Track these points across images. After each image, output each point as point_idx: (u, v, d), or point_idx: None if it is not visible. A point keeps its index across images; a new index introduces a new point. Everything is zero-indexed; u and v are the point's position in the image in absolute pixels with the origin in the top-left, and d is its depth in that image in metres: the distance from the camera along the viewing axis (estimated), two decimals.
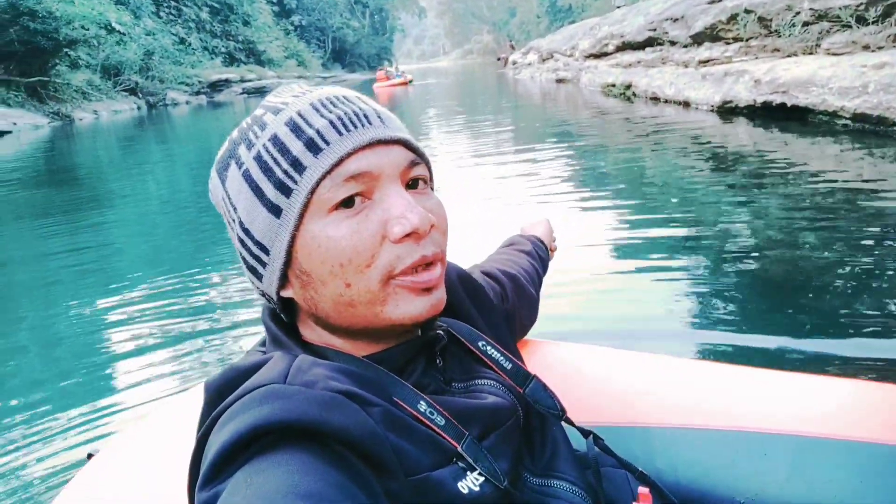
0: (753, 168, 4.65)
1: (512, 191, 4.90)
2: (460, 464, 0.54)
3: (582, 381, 0.93)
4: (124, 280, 3.68)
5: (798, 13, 6.68)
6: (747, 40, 7.89)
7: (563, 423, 0.69)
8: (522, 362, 0.71)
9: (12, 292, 3.80)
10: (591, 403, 0.89)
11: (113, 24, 24.90)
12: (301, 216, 0.53)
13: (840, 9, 6.11)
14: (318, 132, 0.53)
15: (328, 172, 0.52)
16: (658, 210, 3.88)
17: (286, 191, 0.53)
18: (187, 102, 28.09)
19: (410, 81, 32.39)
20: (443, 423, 0.55)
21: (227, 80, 34.40)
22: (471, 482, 0.54)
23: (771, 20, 7.17)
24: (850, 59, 5.40)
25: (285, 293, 0.58)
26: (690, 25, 9.33)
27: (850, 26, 6.03)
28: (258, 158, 0.55)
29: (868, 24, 5.84)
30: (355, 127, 0.54)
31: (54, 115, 22.55)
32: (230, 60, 38.23)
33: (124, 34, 26.18)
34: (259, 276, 0.59)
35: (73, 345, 2.87)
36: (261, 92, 35.66)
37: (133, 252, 4.49)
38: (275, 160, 0.54)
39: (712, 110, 7.41)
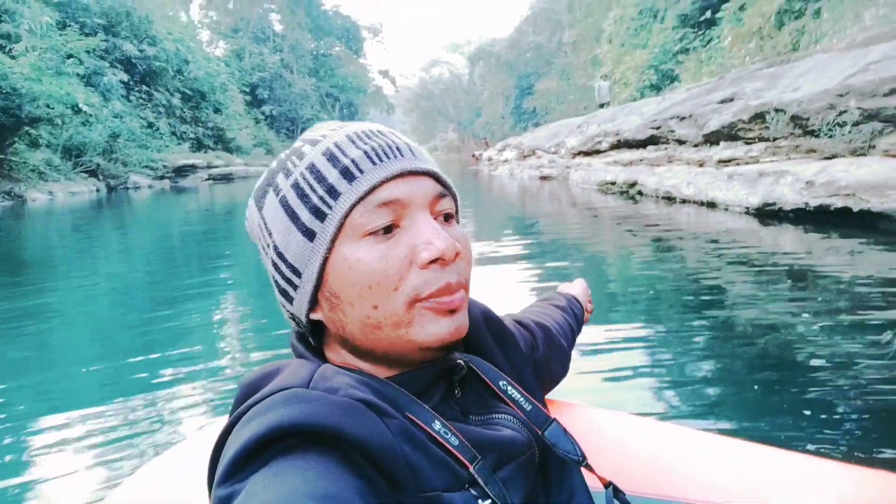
0: (826, 281, 3.86)
1: (505, 299, 3.97)
2: (473, 491, 0.55)
3: (606, 444, 0.92)
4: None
5: (843, 112, 6.20)
6: (774, 140, 7.41)
7: (583, 474, 0.68)
8: (546, 408, 0.69)
9: None
10: (615, 468, 0.86)
11: (80, 105, 24.07)
12: (333, 240, 0.56)
13: (895, 108, 5.62)
14: (353, 161, 0.57)
15: (361, 199, 0.56)
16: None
17: (321, 216, 0.56)
18: (150, 186, 26.92)
19: None
20: (457, 443, 0.56)
21: (193, 166, 33.44)
22: None
23: (808, 119, 6.68)
24: None
25: (314, 315, 0.61)
26: (702, 124, 8.92)
27: None
28: (295, 185, 0.58)
29: None
30: (388, 158, 0.57)
31: (5, 194, 21.16)
32: (198, 146, 37.55)
33: (91, 115, 25.33)
34: (290, 299, 0.61)
35: None
36: (227, 179, 34.78)
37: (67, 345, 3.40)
38: (311, 187, 0.57)
39: (747, 212, 6.76)
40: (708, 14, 23.20)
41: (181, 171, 32.38)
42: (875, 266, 4.17)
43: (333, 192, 0.56)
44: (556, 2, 67.47)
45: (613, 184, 10.96)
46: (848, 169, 5.49)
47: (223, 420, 0.56)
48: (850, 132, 6.05)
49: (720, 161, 8.04)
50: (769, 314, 3.33)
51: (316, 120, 63.92)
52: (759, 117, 7.48)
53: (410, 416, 0.56)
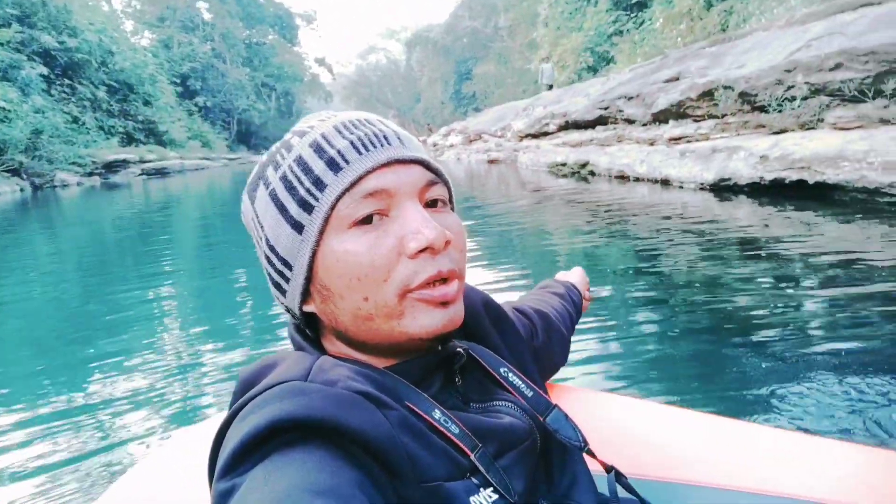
0: (789, 253, 3.92)
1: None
2: (474, 479, 0.55)
3: (608, 428, 0.92)
4: None
5: (791, 87, 6.33)
6: (723, 117, 7.54)
7: (585, 459, 0.68)
8: (547, 394, 0.68)
9: None
10: (616, 451, 0.86)
11: None
12: (321, 232, 0.56)
13: (842, 83, 5.77)
14: (339, 152, 0.56)
15: (347, 190, 0.55)
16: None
17: (308, 208, 0.56)
18: (79, 184, 25.59)
19: None
20: (457, 431, 0.56)
21: (124, 161, 31.92)
22: (483, 498, 0.54)
23: (756, 95, 6.81)
24: (884, 132, 4.93)
25: (307, 308, 0.60)
26: (650, 103, 9.02)
27: (857, 100, 5.68)
28: (283, 178, 0.58)
29: (876, 98, 5.49)
30: (374, 147, 0.57)
31: None
32: (128, 140, 35.90)
33: (9, 111, 23.85)
34: (283, 292, 0.61)
35: None
36: (162, 173, 33.42)
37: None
38: (298, 179, 0.57)
39: (702, 188, 6.86)
40: None
41: (112, 167, 30.88)
42: (832, 236, 4.26)
43: (320, 184, 0.56)
44: None
45: (564, 165, 11.01)
46: (800, 142, 5.61)
47: (220, 413, 0.55)
48: (798, 106, 6.19)
49: (671, 139, 8.15)
50: (734, 288, 3.34)
51: (252, 110, 62.43)
52: (708, 95, 7.60)
53: (410, 405, 0.56)
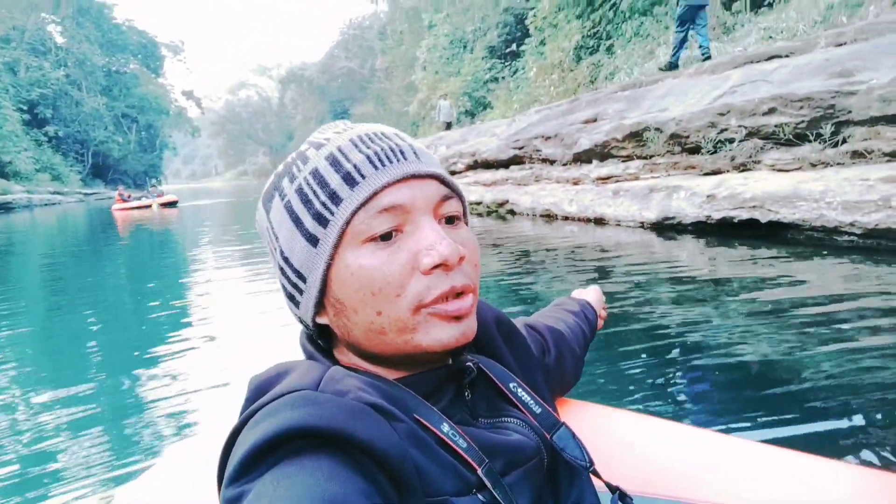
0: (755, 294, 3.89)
1: None
2: (480, 496, 0.55)
3: (614, 444, 0.92)
4: None
5: (724, 130, 6.54)
6: (650, 157, 7.69)
7: (591, 479, 0.68)
8: (556, 412, 0.69)
9: None
10: (622, 469, 0.86)
11: None
12: (336, 246, 0.56)
13: (777, 126, 6.01)
14: (355, 166, 0.57)
15: (363, 204, 0.55)
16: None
17: (323, 221, 0.56)
18: None
19: (173, 203, 24.93)
20: (465, 445, 0.56)
21: None
22: None
23: (688, 137, 6.99)
24: (834, 172, 5.12)
25: (321, 320, 0.61)
26: (570, 143, 9.09)
27: (791, 143, 5.93)
28: (299, 191, 0.58)
29: (812, 142, 5.75)
30: (391, 162, 0.57)
31: None
32: None
33: None
34: (297, 303, 0.62)
35: None
36: (5, 208, 29.89)
37: None
38: (314, 192, 0.57)
39: (642, 227, 6.88)
40: (513, 46, 24.66)
41: None
42: (785, 271, 4.29)
43: (335, 198, 0.56)
44: (367, 29, 68.47)
45: (479, 203, 10.86)
46: (746, 183, 5.74)
47: (229, 420, 0.57)
48: (733, 149, 6.38)
49: (599, 178, 8.20)
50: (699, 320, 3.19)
51: (110, 142, 57.98)
52: (635, 136, 7.73)
53: (419, 417, 0.56)
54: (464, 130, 14.57)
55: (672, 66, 9.10)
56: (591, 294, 1.15)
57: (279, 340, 3.58)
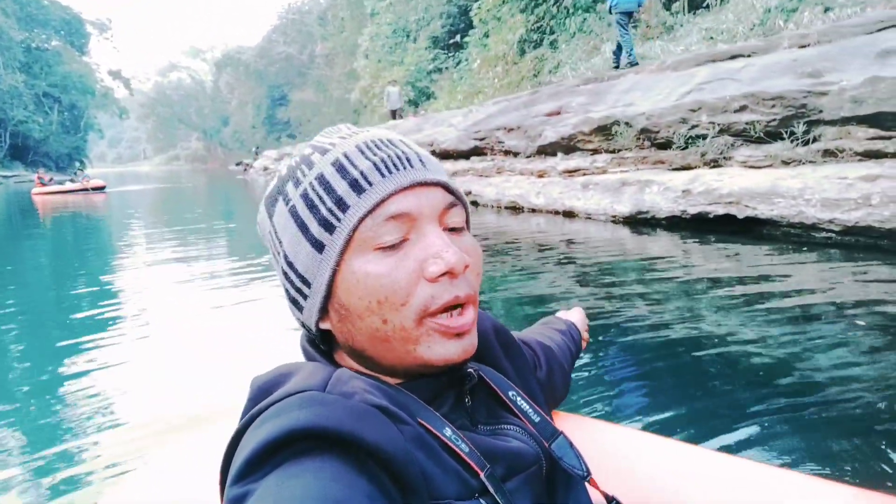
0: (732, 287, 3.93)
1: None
2: (483, 501, 0.55)
3: (610, 458, 0.93)
4: None
5: (695, 126, 6.61)
6: (618, 151, 7.72)
7: (587, 489, 0.69)
8: (552, 420, 0.69)
9: None
10: (617, 482, 0.87)
11: None
12: (342, 252, 0.56)
13: (748, 124, 6.11)
14: (362, 173, 0.56)
15: (370, 212, 0.55)
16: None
17: (329, 228, 0.56)
18: None
19: (101, 188, 23.17)
20: (467, 450, 0.56)
21: None
22: None
23: (658, 132, 7.04)
24: (811, 170, 5.22)
25: (324, 325, 0.61)
26: (534, 136, 9.06)
27: (762, 140, 6.04)
28: (304, 196, 0.58)
29: (783, 140, 5.87)
30: (398, 169, 0.57)
31: None
32: None
33: None
34: (300, 308, 0.62)
35: None
36: None
37: None
38: (320, 198, 0.57)
39: (613, 220, 6.89)
40: (457, 38, 24.65)
41: None
42: (768, 269, 4.35)
43: (342, 205, 0.56)
44: (307, 14, 66.93)
45: None
46: (721, 179, 5.81)
47: (231, 419, 0.57)
48: (706, 144, 6.46)
49: (566, 171, 8.18)
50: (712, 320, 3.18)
51: (30, 122, 54.58)
52: (603, 129, 7.74)
53: (422, 421, 0.56)
54: (419, 120, 14.37)
55: (632, 64, 9.45)
56: (575, 315, 1.18)
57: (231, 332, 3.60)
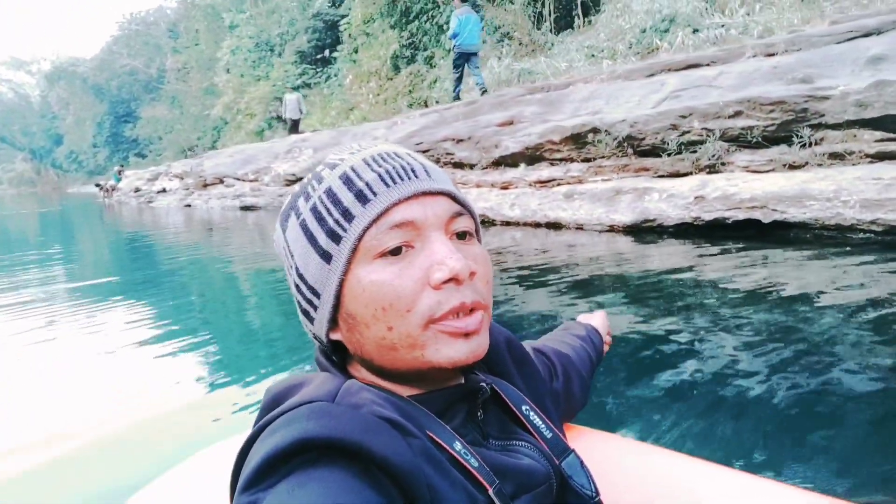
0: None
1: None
2: None
3: (621, 475, 0.89)
4: None
5: (686, 132, 6.56)
6: (592, 160, 7.54)
7: None
8: (564, 437, 0.69)
9: None
10: (627, 501, 0.85)
11: None
12: (349, 262, 0.57)
13: (743, 129, 6.14)
14: (367, 184, 0.58)
15: (374, 221, 0.56)
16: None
17: (336, 238, 0.58)
18: None
19: None
20: (476, 465, 0.56)
21: None
22: None
23: (643, 139, 6.92)
24: (838, 172, 5.26)
25: (334, 336, 0.62)
26: (490, 146, 8.69)
27: (759, 146, 6.08)
28: (314, 209, 0.60)
29: (784, 143, 5.95)
30: (402, 179, 0.58)
31: None
32: None
33: None
34: (311, 319, 0.63)
35: None
36: None
37: None
38: (328, 210, 0.59)
39: (611, 230, 6.63)
40: (325, 53, 24.21)
41: None
42: (801, 273, 4.29)
43: (348, 215, 0.57)
44: (153, 25, 62.66)
45: None
46: (735, 184, 5.75)
47: (242, 429, 0.57)
48: (701, 150, 6.41)
49: (538, 182, 7.86)
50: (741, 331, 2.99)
51: None
52: (576, 138, 7.53)
53: (431, 435, 0.56)
54: (334, 133, 13.53)
55: (456, 98, 11.19)
56: (597, 319, 1.15)
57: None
